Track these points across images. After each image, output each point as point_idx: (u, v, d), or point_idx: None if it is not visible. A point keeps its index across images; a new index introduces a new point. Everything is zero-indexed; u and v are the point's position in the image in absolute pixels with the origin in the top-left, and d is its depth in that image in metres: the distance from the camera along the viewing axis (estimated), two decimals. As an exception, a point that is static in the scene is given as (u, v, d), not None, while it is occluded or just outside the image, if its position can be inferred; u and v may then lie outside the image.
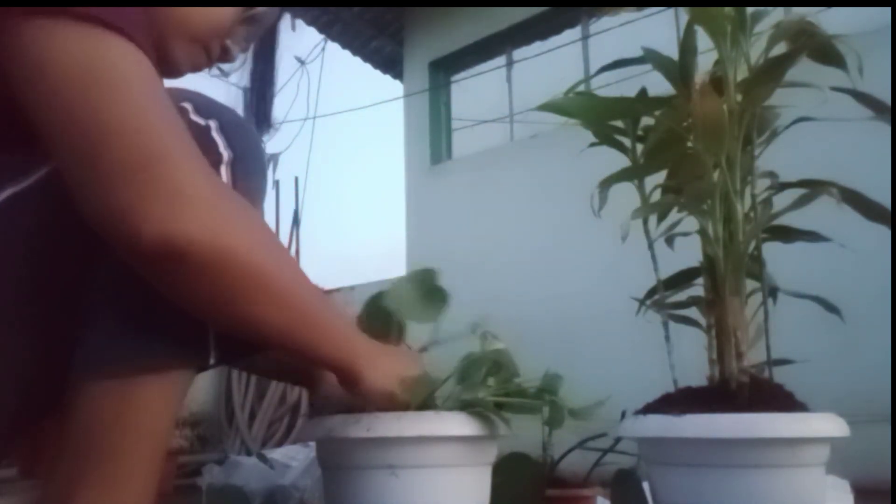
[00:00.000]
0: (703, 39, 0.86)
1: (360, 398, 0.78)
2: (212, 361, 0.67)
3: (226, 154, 0.67)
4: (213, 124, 0.68)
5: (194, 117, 0.67)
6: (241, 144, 0.69)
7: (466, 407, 0.81)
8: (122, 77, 0.56)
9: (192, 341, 0.66)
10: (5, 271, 0.61)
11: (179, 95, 0.68)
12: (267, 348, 0.73)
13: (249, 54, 0.91)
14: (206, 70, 0.84)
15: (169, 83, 0.68)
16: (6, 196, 0.61)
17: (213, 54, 0.81)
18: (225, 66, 0.88)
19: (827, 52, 0.82)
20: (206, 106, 0.69)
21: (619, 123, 0.95)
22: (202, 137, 0.65)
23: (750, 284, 0.87)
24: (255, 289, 0.62)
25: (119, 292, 0.63)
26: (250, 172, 0.69)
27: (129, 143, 0.55)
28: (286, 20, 0.94)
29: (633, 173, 0.93)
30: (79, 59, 0.55)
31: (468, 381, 0.86)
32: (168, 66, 0.75)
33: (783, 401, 0.80)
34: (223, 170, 0.67)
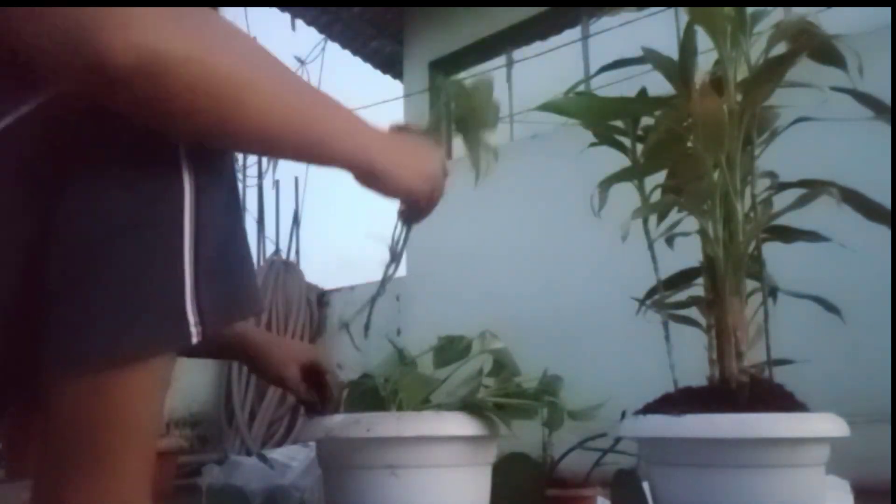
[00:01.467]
0: (703, 39, 0.86)
1: (382, 192, 0.75)
2: (195, 339, 0.60)
3: None
4: None
5: None
6: None
7: (466, 407, 0.81)
8: None
9: (169, 322, 0.59)
10: None
11: None
12: (247, 311, 0.68)
13: None
14: None
15: None
16: None
17: None
18: None
19: (827, 52, 0.82)
20: None
21: (619, 123, 0.95)
22: None
23: (750, 284, 0.87)
24: (243, 89, 0.56)
25: (76, 279, 0.57)
26: None
27: None
28: (286, 20, 0.93)
29: (633, 173, 0.93)
30: None
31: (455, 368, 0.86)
32: None
33: (783, 401, 0.80)
34: None
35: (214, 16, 0.57)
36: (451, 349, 0.91)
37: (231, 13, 0.85)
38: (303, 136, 0.64)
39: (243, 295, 0.66)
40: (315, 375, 1.02)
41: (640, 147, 0.93)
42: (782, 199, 0.86)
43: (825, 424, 0.76)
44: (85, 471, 0.58)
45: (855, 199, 0.80)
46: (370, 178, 0.73)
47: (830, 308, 0.90)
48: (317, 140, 0.65)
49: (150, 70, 0.50)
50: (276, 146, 0.65)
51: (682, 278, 0.94)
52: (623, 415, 0.89)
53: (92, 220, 0.57)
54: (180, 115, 0.55)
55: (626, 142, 0.95)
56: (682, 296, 0.95)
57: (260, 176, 4.74)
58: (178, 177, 0.59)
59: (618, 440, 1.07)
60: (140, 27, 0.49)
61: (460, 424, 0.79)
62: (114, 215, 0.57)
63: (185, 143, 0.60)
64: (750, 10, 0.85)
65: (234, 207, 0.67)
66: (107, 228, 0.57)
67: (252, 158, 4.77)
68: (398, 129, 0.85)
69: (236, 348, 0.99)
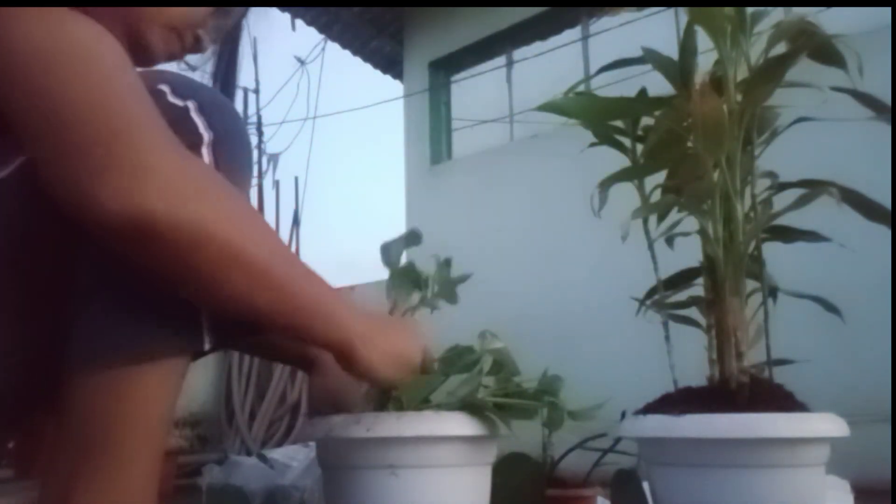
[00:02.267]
0: (703, 39, 0.86)
1: (358, 377, 0.77)
2: (206, 346, 0.65)
3: (206, 135, 0.65)
4: (191, 105, 0.65)
5: (172, 98, 0.65)
6: (223, 125, 0.67)
7: (466, 407, 0.81)
8: (84, 54, 0.56)
9: (185, 327, 0.63)
10: None
11: (157, 77, 0.66)
12: (258, 331, 0.70)
13: (213, 51, 0.91)
14: (175, 63, 0.83)
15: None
16: None
17: (186, 43, 0.81)
18: (192, 60, 0.88)
19: (827, 52, 0.82)
20: (184, 86, 0.67)
21: (619, 123, 0.95)
22: (181, 119, 0.64)
23: (750, 284, 0.87)
24: (231, 267, 0.59)
25: (104, 281, 0.61)
26: (234, 153, 0.67)
27: (89, 118, 0.54)
28: (286, 20, 0.94)
29: (633, 173, 0.93)
30: (40, 38, 0.55)
31: (459, 371, 0.86)
32: (144, 53, 0.74)
33: (783, 401, 0.80)
34: (204, 151, 0.64)
35: (213, 175, 0.62)
36: (458, 361, 0.89)
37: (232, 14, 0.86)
38: (288, 319, 0.66)
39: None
40: None
41: (640, 147, 0.93)
42: (782, 199, 0.86)
43: (825, 424, 0.76)
44: (95, 464, 0.61)
45: (855, 199, 0.80)
46: (348, 361, 0.74)
47: (830, 308, 0.90)
48: (301, 324, 0.68)
49: (140, 234, 0.54)
50: (260, 321, 0.66)
51: (682, 278, 0.94)
52: (623, 415, 0.89)
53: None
54: (169, 277, 0.60)
55: (626, 142, 0.95)
56: (682, 296, 0.95)
57: (260, 176, 4.75)
58: None
59: (618, 440, 1.07)
60: (134, 189, 0.53)
61: (460, 424, 0.79)
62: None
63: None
64: (750, 10, 0.85)
65: None
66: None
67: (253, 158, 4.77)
68: (382, 311, 0.89)
69: (296, 355, 1.01)
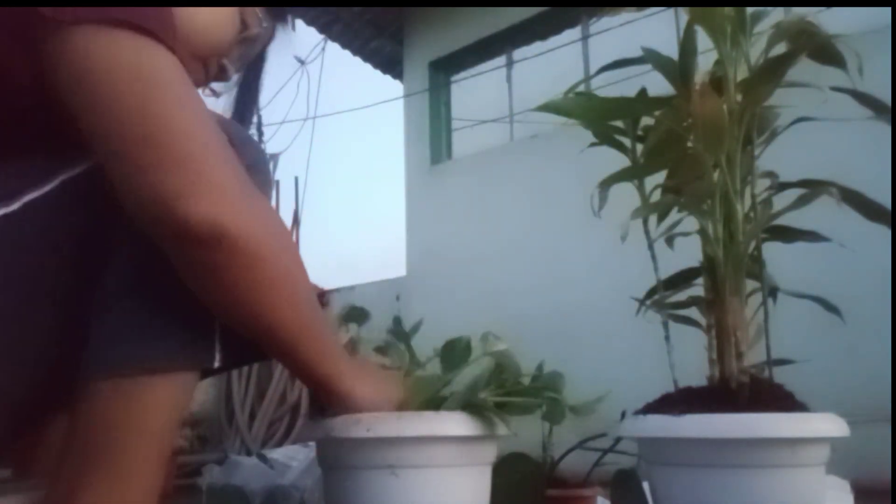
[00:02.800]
0: (703, 39, 0.86)
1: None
2: (216, 364, 0.68)
3: None
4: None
5: None
6: (250, 158, 0.71)
7: (466, 407, 0.81)
8: (165, 79, 0.61)
9: (198, 343, 0.67)
10: (22, 274, 0.63)
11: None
12: (268, 356, 0.74)
13: (236, 79, 0.95)
14: (200, 90, 0.86)
15: None
16: (25, 202, 0.63)
17: (210, 72, 0.85)
18: (217, 87, 0.91)
19: (827, 52, 0.82)
20: (216, 120, 0.70)
21: (619, 123, 0.95)
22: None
23: (750, 284, 0.87)
24: (277, 289, 0.66)
25: (126, 294, 0.64)
26: (259, 185, 0.70)
27: (178, 137, 0.60)
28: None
29: (633, 173, 0.93)
30: (127, 62, 0.60)
31: (457, 374, 0.87)
32: None
33: (783, 401, 0.80)
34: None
35: (277, 216, 0.69)
36: (454, 353, 0.91)
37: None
38: (293, 352, 0.71)
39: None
40: None
41: (640, 147, 0.93)
42: (782, 199, 0.86)
43: (825, 424, 0.76)
44: (100, 472, 0.62)
45: (855, 199, 0.80)
46: (338, 402, 0.78)
47: (830, 308, 0.90)
48: (302, 359, 0.72)
49: (212, 253, 0.61)
50: (281, 350, 0.71)
51: (682, 278, 0.94)
52: (623, 415, 0.89)
53: (148, 241, 0.62)
54: (226, 296, 0.64)
55: (626, 142, 0.95)
56: (682, 296, 0.95)
57: (260, 176, 4.74)
58: None
59: (618, 440, 1.07)
60: (211, 204, 0.59)
61: (460, 424, 0.79)
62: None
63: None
64: (750, 10, 0.85)
65: None
66: (160, 251, 0.63)
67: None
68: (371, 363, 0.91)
69: None
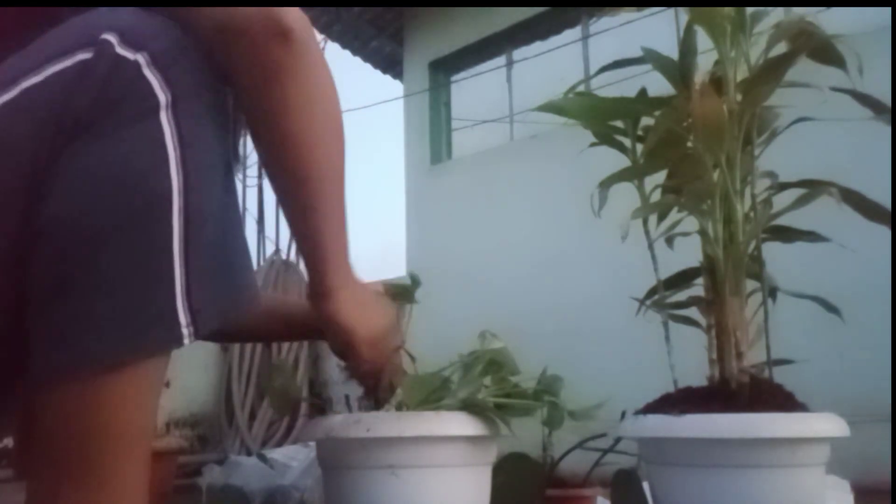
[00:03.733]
0: (703, 39, 0.86)
1: (317, 318, 0.79)
2: (186, 341, 0.57)
3: (162, 97, 0.56)
4: (142, 59, 0.55)
5: (121, 50, 0.55)
6: (185, 79, 0.57)
7: (466, 407, 0.81)
8: None
9: (159, 324, 0.56)
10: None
11: (104, 21, 0.57)
12: (240, 317, 0.65)
13: None
14: None
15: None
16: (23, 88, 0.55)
17: None
18: None
19: (827, 52, 0.82)
20: (135, 34, 0.56)
21: (619, 123, 0.95)
22: (131, 77, 0.55)
23: (750, 284, 0.87)
24: (331, 121, 0.68)
25: (61, 285, 0.54)
26: (201, 111, 0.58)
27: None
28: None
29: (633, 173, 0.93)
30: None
31: (468, 379, 0.87)
32: None
33: (783, 401, 0.80)
34: (162, 116, 0.55)
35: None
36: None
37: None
38: (314, 208, 0.70)
39: (239, 290, 0.64)
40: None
41: (640, 147, 0.93)
42: (782, 199, 0.86)
43: (825, 424, 0.76)
44: (76, 482, 0.55)
45: (855, 199, 0.80)
46: (321, 295, 0.76)
47: (830, 308, 0.90)
48: (317, 225, 0.71)
49: (300, 44, 0.63)
50: (292, 189, 0.71)
51: (682, 278, 0.94)
52: (623, 415, 0.89)
53: (75, 219, 0.54)
54: (277, 103, 0.65)
55: (626, 142, 0.95)
56: (682, 296, 0.95)
57: (260, 176, 4.73)
58: (164, 165, 0.55)
59: (618, 440, 1.07)
60: (303, 20, 0.64)
61: (460, 424, 0.79)
62: (98, 213, 0.54)
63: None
64: (750, 10, 0.85)
65: (231, 191, 0.64)
66: (91, 228, 0.54)
67: (252, 158, 4.78)
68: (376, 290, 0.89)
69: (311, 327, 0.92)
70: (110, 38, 0.55)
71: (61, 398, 0.55)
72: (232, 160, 0.66)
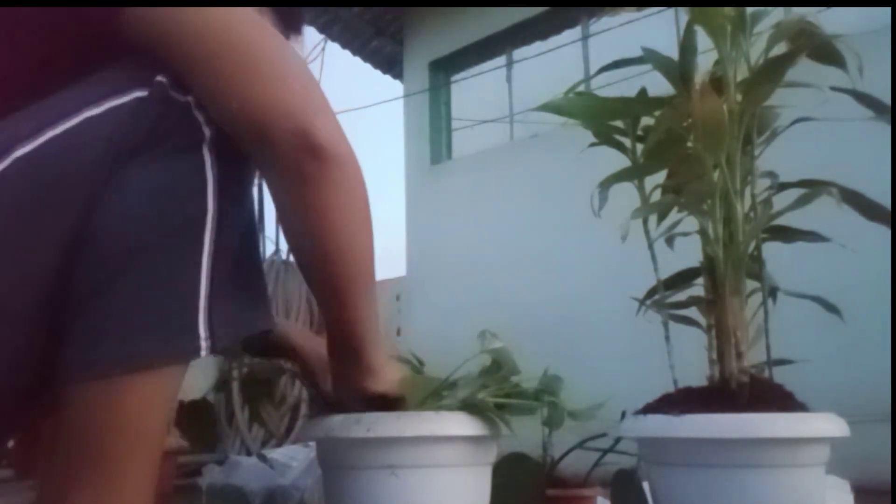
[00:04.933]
0: (703, 39, 0.86)
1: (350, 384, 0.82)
2: (203, 353, 0.63)
3: (207, 131, 0.64)
4: (192, 100, 0.64)
5: (173, 93, 0.63)
6: None
7: (466, 407, 0.81)
8: (265, 25, 0.69)
9: (180, 334, 0.62)
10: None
11: (157, 67, 0.64)
12: (254, 332, 0.71)
13: None
14: None
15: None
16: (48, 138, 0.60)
17: None
18: None
19: (827, 52, 0.82)
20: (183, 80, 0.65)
21: (619, 123, 0.95)
22: (181, 115, 0.63)
23: (750, 284, 0.87)
24: (366, 228, 0.71)
25: (100, 287, 0.60)
26: (232, 149, 0.66)
27: (291, 64, 0.67)
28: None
29: (633, 173, 0.93)
30: (235, 17, 0.66)
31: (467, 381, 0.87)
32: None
33: (783, 401, 0.80)
34: (205, 150, 0.64)
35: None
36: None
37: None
38: (352, 302, 0.74)
39: (254, 313, 0.70)
40: None
41: (640, 147, 0.94)
42: (782, 199, 0.86)
43: (825, 424, 0.76)
44: (89, 477, 0.59)
45: (855, 199, 0.80)
46: (366, 374, 0.80)
47: (830, 308, 0.90)
48: (354, 316, 0.76)
49: (330, 159, 0.65)
50: (330, 286, 0.74)
51: (682, 278, 0.94)
52: (623, 415, 0.89)
53: (120, 231, 0.60)
54: (309, 216, 0.69)
55: (626, 142, 0.95)
56: (682, 296, 0.95)
57: (259, 175, 4.74)
58: (203, 192, 0.63)
59: (618, 440, 1.07)
60: (330, 124, 0.66)
61: (460, 424, 0.79)
62: (141, 228, 0.61)
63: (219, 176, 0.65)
64: (750, 10, 0.85)
65: (252, 219, 0.73)
66: (134, 240, 0.60)
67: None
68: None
69: (283, 348, 1.02)
70: (163, 80, 0.63)
71: (87, 394, 0.59)
72: (252, 192, 0.75)
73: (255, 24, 0.67)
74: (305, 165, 0.65)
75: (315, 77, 0.69)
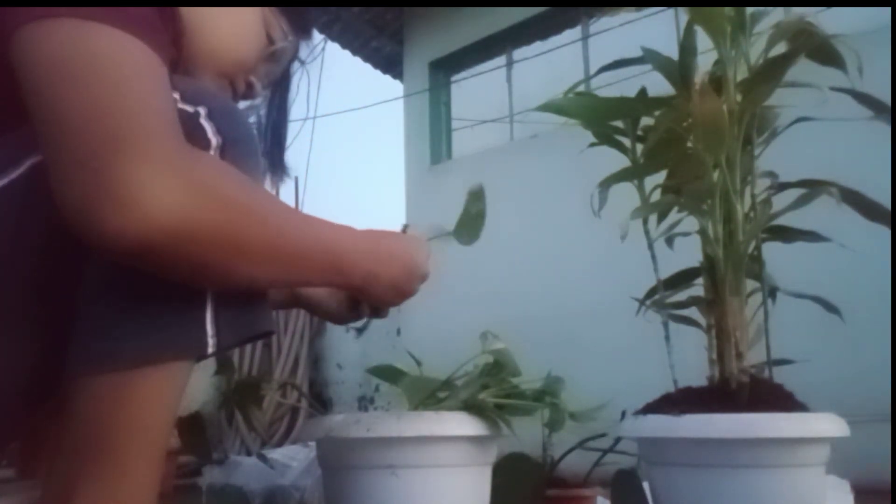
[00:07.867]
0: (703, 39, 0.86)
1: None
2: (210, 350, 0.64)
3: (214, 140, 0.65)
4: (202, 111, 0.66)
5: (182, 105, 0.65)
6: (232, 130, 0.67)
7: (467, 407, 0.81)
8: (99, 63, 0.54)
9: (189, 331, 0.63)
10: None
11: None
12: (264, 335, 0.72)
13: (264, 97, 0.96)
14: None
15: None
16: None
17: (238, 90, 0.86)
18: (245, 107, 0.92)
19: (827, 52, 0.82)
20: (194, 94, 0.67)
21: (619, 123, 0.95)
22: (190, 124, 0.64)
23: (750, 284, 0.87)
24: (236, 258, 0.60)
25: (107, 283, 0.61)
26: (242, 157, 0.67)
27: (92, 128, 0.52)
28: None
29: (633, 173, 0.93)
30: (57, 47, 0.55)
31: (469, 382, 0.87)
32: None
33: (783, 401, 0.80)
34: (213, 155, 0.65)
35: (216, 171, 0.60)
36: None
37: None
38: (302, 280, 0.74)
39: (255, 315, 0.69)
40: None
41: (640, 147, 0.94)
42: (782, 199, 0.86)
43: (825, 424, 0.76)
44: (94, 472, 0.60)
45: (855, 199, 0.80)
46: (360, 294, 0.82)
47: (830, 308, 0.90)
48: (313, 281, 0.74)
49: (140, 254, 0.54)
50: (263, 285, 0.69)
51: (682, 278, 0.94)
52: (623, 415, 0.89)
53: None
54: (189, 279, 0.61)
55: (626, 142, 0.95)
56: (682, 296, 0.95)
57: (260, 176, 4.74)
58: None
59: (618, 440, 1.07)
60: (137, 207, 0.51)
61: (461, 424, 0.79)
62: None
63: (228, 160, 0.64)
64: (750, 10, 0.85)
65: None
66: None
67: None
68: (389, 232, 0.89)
69: (291, 300, 1.06)
70: (174, 95, 0.63)
71: (95, 388, 0.60)
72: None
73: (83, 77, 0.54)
74: (136, 257, 0.55)
75: (159, 101, 0.57)
